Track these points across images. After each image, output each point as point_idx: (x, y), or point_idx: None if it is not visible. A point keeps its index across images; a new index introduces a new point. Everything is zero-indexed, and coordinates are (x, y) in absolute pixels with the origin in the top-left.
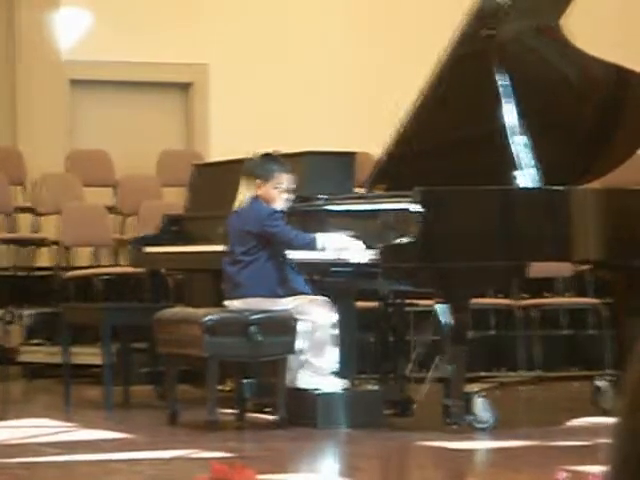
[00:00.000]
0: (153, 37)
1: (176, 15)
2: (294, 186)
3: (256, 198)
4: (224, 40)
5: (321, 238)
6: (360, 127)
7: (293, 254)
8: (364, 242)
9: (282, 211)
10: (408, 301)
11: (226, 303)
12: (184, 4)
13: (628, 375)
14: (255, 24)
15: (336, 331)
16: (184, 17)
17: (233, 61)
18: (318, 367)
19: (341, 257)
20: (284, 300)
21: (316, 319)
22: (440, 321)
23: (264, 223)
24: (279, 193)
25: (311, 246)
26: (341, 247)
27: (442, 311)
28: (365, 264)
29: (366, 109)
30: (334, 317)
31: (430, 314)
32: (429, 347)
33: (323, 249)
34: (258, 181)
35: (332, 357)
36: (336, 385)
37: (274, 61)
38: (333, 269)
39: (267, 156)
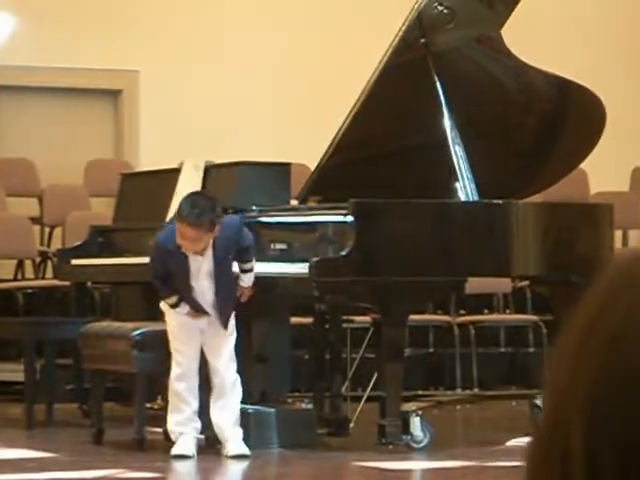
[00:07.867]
0: (82, 43)
1: (106, 20)
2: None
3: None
4: (155, 47)
5: (166, 290)
6: (296, 138)
7: None
8: (299, 254)
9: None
10: (345, 317)
11: None
12: (114, 10)
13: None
14: (187, 31)
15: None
16: (114, 23)
17: (164, 68)
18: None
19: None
20: None
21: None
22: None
23: None
24: None
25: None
26: (170, 305)
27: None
28: (300, 279)
29: (301, 119)
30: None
31: (367, 330)
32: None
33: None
34: None
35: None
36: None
37: (206, 69)
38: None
39: None
